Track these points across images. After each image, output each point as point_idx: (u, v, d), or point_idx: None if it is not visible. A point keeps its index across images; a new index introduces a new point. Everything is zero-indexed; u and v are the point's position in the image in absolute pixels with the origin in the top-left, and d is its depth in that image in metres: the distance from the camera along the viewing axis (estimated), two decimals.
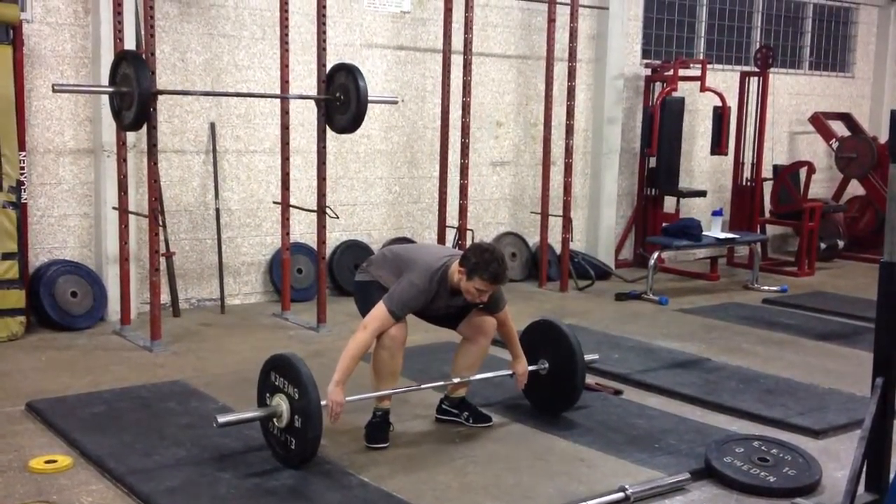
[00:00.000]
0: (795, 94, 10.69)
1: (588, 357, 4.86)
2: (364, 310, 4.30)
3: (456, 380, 4.53)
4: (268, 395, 4.06)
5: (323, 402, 3.90)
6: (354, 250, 7.57)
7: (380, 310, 4.14)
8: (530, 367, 4.67)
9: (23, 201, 6.07)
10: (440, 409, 4.62)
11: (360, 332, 4.10)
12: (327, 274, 6.92)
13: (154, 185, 5.83)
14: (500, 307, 4.48)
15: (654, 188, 9.18)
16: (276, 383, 4.00)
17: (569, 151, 8.10)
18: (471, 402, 4.62)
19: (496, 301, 4.43)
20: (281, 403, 3.94)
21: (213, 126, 6.91)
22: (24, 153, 6.07)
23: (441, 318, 4.50)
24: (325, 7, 6.29)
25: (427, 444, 4.34)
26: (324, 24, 6.29)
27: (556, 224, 8.20)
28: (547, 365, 4.73)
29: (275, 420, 3.98)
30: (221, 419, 3.92)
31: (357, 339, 4.09)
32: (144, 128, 5.68)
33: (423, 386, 4.59)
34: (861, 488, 3.45)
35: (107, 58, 6.08)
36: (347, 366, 4.04)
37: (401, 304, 4.16)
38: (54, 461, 3.93)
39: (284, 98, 6.46)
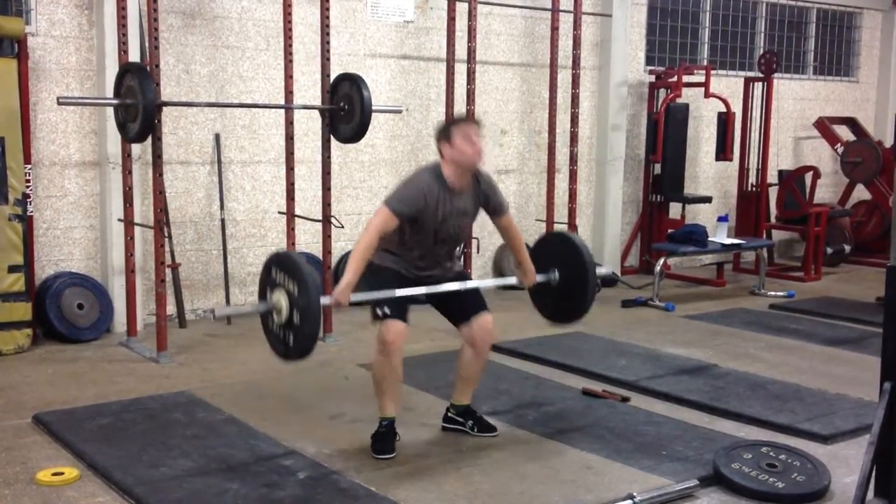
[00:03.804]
0: (800, 99, 10.67)
1: (601, 270, 4.73)
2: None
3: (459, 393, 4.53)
4: (268, 290, 3.99)
5: (325, 301, 3.88)
6: None
7: (379, 209, 4.11)
8: (540, 278, 4.58)
9: (28, 214, 6.09)
10: (446, 417, 4.60)
11: (363, 235, 4.07)
12: (333, 283, 6.91)
13: (159, 197, 5.84)
14: (503, 209, 4.46)
15: (659, 195, 9.18)
16: (277, 279, 3.93)
17: (573, 159, 8.10)
18: (476, 410, 4.59)
19: (499, 204, 4.42)
20: (281, 299, 3.88)
21: (217, 137, 6.92)
22: (29, 166, 6.09)
23: (449, 296, 4.37)
24: (328, 17, 6.30)
25: (433, 452, 4.33)
26: (327, 34, 6.30)
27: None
28: (558, 275, 4.60)
29: (274, 315, 3.93)
30: (219, 312, 3.90)
31: (360, 242, 4.05)
32: (149, 139, 5.70)
33: (440, 288, 4.32)
34: (870, 494, 3.44)
35: (111, 70, 6.10)
36: (356, 267, 3.99)
37: (399, 200, 4.11)
38: (61, 473, 3.92)
39: (289, 108, 6.47)
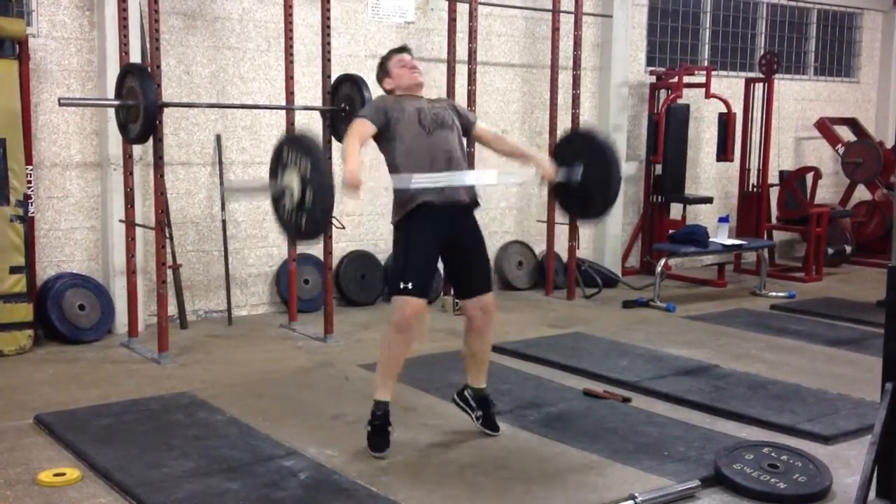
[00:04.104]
0: (801, 99, 10.67)
1: (625, 167, 4.71)
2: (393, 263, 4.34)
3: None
4: (279, 172, 3.94)
5: (338, 184, 3.87)
6: (361, 261, 7.58)
7: (352, 122, 4.29)
8: (562, 175, 4.51)
9: (30, 215, 6.09)
10: (461, 395, 4.58)
11: (345, 142, 4.24)
12: (334, 284, 6.92)
13: (160, 198, 5.84)
14: (471, 119, 4.55)
15: (660, 195, 9.17)
16: (289, 160, 3.89)
17: None
18: (491, 405, 4.56)
19: (468, 116, 4.54)
20: (293, 180, 3.84)
21: (218, 138, 6.93)
22: (30, 167, 6.10)
23: (461, 264, 4.42)
24: (329, 18, 6.31)
25: (436, 453, 4.33)
26: (328, 35, 6.31)
27: (562, 232, 8.18)
28: (580, 172, 4.49)
29: (285, 198, 3.88)
30: (229, 186, 3.88)
31: (346, 143, 4.19)
32: (150, 140, 5.70)
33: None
34: (872, 494, 3.43)
35: (112, 71, 6.11)
36: (354, 154, 4.10)
37: (366, 110, 4.35)
38: (63, 474, 3.92)
39: (290, 109, 6.48)
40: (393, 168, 4.34)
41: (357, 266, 7.56)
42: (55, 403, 4.91)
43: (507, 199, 8.50)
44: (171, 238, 6.50)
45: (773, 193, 9.74)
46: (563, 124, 8.11)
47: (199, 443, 4.33)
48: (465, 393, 4.58)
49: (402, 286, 4.17)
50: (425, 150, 4.27)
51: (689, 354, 6.14)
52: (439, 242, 4.30)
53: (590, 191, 4.54)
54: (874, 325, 6.61)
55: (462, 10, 7.37)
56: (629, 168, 4.84)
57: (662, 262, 7.94)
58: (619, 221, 8.98)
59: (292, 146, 3.90)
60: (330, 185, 3.78)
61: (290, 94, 6.47)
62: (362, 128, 4.24)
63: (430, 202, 4.21)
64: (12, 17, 5.90)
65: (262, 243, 7.24)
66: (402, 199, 4.30)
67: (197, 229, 6.94)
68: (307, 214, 3.81)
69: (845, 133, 10.52)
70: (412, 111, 4.31)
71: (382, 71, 4.50)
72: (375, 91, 7.03)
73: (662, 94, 9.09)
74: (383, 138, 4.33)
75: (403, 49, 4.55)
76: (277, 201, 3.95)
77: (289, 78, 6.45)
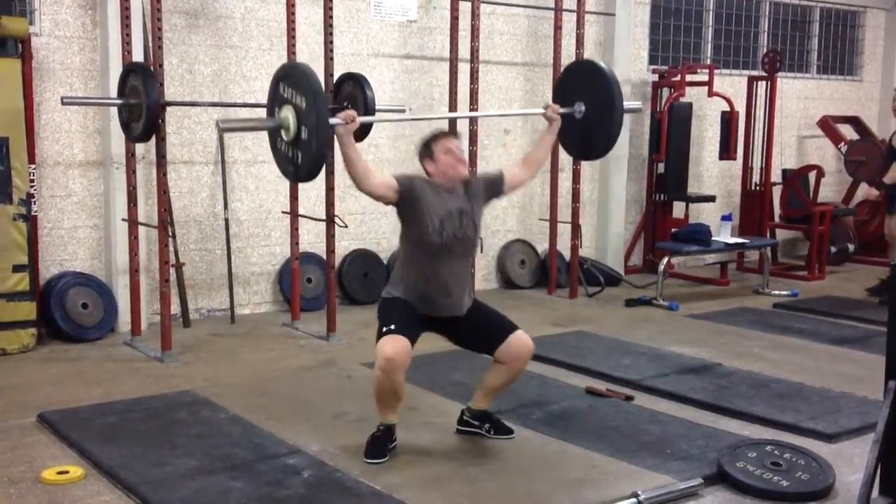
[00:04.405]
0: (803, 98, 10.66)
1: (629, 104, 4.65)
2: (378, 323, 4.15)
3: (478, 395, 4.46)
4: (276, 107, 3.88)
5: (335, 120, 3.81)
6: (363, 259, 7.58)
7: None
8: (564, 109, 4.54)
9: (33, 214, 6.09)
10: (461, 420, 4.51)
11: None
12: (336, 283, 6.93)
13: (163, 197, 5.85)
14: (502, 177, 4.42)
15: (662, 194, 9.17)
16: (285, 95, 3.82)
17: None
18: (492, 414, 4.50)
19: (497, 180, 4.40)
20: (288, 115, 3.78)
21: (221, 137, 6.93)
22: (33, 166, 6.09)
23: (478, 332, 4.29)
24: (331, 17, 6.31)
25: (439, 452, 4.33)
26: (331, 33, 6.31)
27: (564, 231, 8.18)
28: (583, 108, 4.52)
29: (282, 132, 3.83)
30: (224, 124, 3.87)
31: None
32: (153, 139, 5.71)
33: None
34: (875, 492, 3.43)
35: (115, 70, 6.11)
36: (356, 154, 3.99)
37: (400, 174, 4.14)
38: (66, 472, 3.93)
39: None
40: (405, 242, 4.23)
41: (360, 265, 7.57)
42: (58, 402, 4.91)
43: (510, 197, 8.47)
44: (174, 236, 6.51)
45: (776, 192, 9.73)
46: None
47: (202, 441, 4.33)
48: (465, 417, 4.50)
49: (383, 330, 4.04)
50: (433, 264, 4.14)
51: (692, 353, 6.14)
52: (431, 320, 4.22)
53: (591, 128, 4.57)
54: (877, 324, 6.61)
55: (464, 8, 7.36)
56: (633, 105, 4.83)
57: (665, 260, 7.94)
58: (621, 220, 8.98)
59: (288, 81, 3.82)
60: (325, 124, 3.71)
61: None
62: (384, 180, 4.08)
63: (413, 307, 4.16)
64: (15, 15, 5.90)
65: (265, 242, 7.24)
66: (401, 284, 4.21)
67: (200, 228, 6.95)
68: (302, 151, 3.77)
69: (848, 131, 10.50)
70: (439, 214, 4.10)
71: (426, 151, 4.20)
72: (380, 92, 7.09)
73: (665, 92, 9.08)
74: (403, 211, 4.16)
75: (453, 134, 4.24)
76: (274, 136, 3.90)
77: None
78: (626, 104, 4.65)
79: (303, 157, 3.80)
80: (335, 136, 3.94)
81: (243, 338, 6.51)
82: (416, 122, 7.83)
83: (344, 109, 4.07)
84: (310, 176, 3.90)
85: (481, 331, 4.30)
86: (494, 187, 4.40)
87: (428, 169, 4.19)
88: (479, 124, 7.46)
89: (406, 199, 4.09)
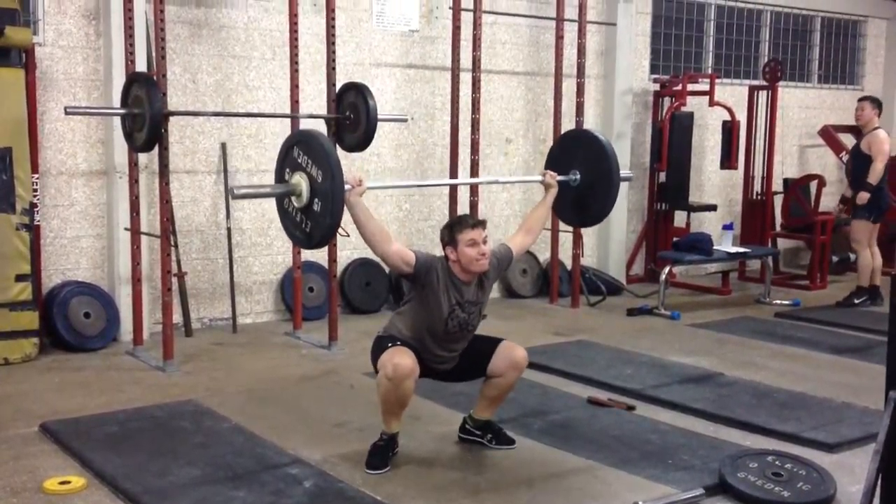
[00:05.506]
0: (805, 107, 10.68)
1: (624, 173, 4.67)
2: (373, 357, 4.18)
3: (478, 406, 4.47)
4: (287, 171, 3.82)
5: (346, 186, 3.75)
6: (365, 268, 7.59)
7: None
8: (561, 178, 4.57)
9: (36, 223, 6.11)
10: (463, 428, 4.52)
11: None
12: (339, 292, 6.93)
13: (166, 206, 5.86)
14: (509, 253, 4.38)
15: (664, 203, 9.18)
16: (299, 160, 3.76)
17: None
18: (494, 423, 4.51)
19: (505, 259, 4.36)
20: (301, 182, 3.72)
21: (223, 146, 6.95)
22: (36, 175, 6.11)
23: (466, 365, 4.32)
24: (334, 27, 6.33)
25: (440, 462, 4.33)
26: (333, 43, 6.33)
27: (566, 240, 8.19)
28: (578, 176, 4.57)
29: (293, 199, 3.78)
30: (237, 191, 3.81)
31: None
32: (156, 149, 5.72)
33: None
34: (876, 502, 3.43)
35: (118, 80, 6.13)
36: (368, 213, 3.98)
37: (420, 252, 4.09)
38: (68, 482, 3.93)
39: (294, 118, 6.50)
40: (410, 301, 4.24)
41: (362, 274, 7.57)
42: (61, 411, 4.92)
43: (511, 206, 8.51)
44: (177, 246, 6.52)
45: (778, 201, 9.74)
46: None
47: (205, 450, 4.34)
48: (467, 426, 4.52)
49: (388, 345, 4.09)
50: (432, 339, 4.17)
51: (694, 362, 6.14)
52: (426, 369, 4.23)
53: (587, 197, 4.61)
54: (879, 334, 6.60)
55: (466, 18, 7.38)
56: (627, 174, 4.88)
57: (667, 269, 7.95)
58: (623, 229, 8.99)
59: (304, 149, 3.80)
60: (340, 199, 3.68)
61: (295, 102, 6.49)
62: (400, 250, 4.05)
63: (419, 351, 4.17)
64: (19, 26, 5.92)
65: (267, 251, 7.25)
66: (399, 337, 4.19)
67: (202, 237, 6.96)
68: (314, 221, 3.76)
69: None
70: (450, 304, 4.11)
71: (450, 237, 4.12)
72: (382, 101, 7.12)
73: (666, 101, 9.09)
74: (413, 284, 4.16)
75: (480, 222, 4.17)
76: (283, 199, 3.88)
77: (294, 86, 6.47)
78: (622, 173, 4.69)
79: (313, 228, 3.77)
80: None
81: (245, 347, 6.52)
82: (419, 130, 7.85)
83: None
84: (319, 247, 3.89)
85: (469, 359, 4.33)
86: (504, 265, 4.41)
87: (449, 256, 4.14)
88: (481, 133, 7.47)
89: (419, 280, 4.11)
